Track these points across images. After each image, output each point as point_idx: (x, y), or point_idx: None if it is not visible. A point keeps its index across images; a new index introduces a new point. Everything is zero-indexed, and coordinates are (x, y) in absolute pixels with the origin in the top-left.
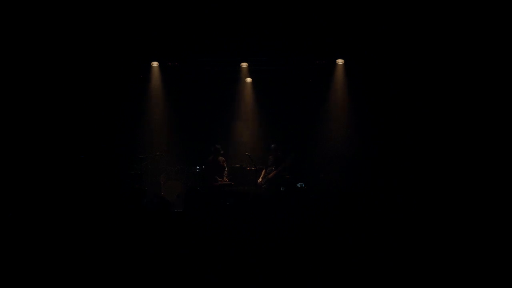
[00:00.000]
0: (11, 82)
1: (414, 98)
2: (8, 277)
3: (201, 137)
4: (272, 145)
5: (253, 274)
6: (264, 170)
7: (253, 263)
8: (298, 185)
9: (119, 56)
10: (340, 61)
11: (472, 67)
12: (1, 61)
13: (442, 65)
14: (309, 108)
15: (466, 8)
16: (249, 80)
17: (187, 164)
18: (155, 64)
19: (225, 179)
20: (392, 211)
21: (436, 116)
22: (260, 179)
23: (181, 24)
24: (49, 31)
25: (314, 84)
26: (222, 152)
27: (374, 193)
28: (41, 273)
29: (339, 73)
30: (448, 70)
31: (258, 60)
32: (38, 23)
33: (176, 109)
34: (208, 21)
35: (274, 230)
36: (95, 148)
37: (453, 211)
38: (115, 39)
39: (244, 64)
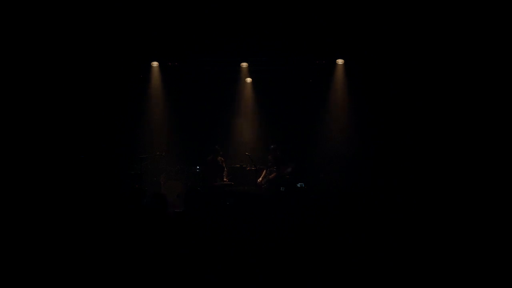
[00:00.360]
0: (11, 82)
1: (414, 98)
2: (8, 277)
3: (201, 137)
4: (272, 146)
5: (253, 274)
6: (264, 170)
7: (253, 263)
8: (298, 185)
9: (119, 56)
10: (340, 61)
11: (472, 67)
12: (2, 61)
13: (442, 65)
14: (309, 108)
15: (466, 8)
16: (249, 80)
17: (187, 164)
18: (155, 64)
19: (225, 179)
20: (392, 211)
21: (436, 116)
22: (261, 179)
23: (181, 24)
24: (50, 31)
25: (314, 84)
26: (221, 153)
27: (374, 193)
28: (41, 273)
29: (339, 73)
30: (448, 70)
31: (258, 60)
32: (38, 23)
33: (176, 109)
34: (208, 21)
35: (274, 230)
36: (95, 148)
37: (453, 211)
38: (115, 39)
39: (244, 64)
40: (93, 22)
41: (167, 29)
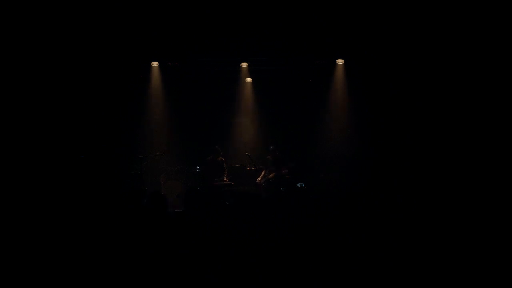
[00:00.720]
0: (11, 82)
1: (414, 98)
2: (8, 277)
3: (201, 137)
4: (271, 147)
5: (253, 274)
6: (264, 170)
7: (253, 263)
8: (298, 185)
9: (119, 56)
10: (340, 61)
11: (472, 67)
12: (2, 61)
13: (442, 65)
14: (309, 108)
15: (466, 8)
16: (249, 80)
17: (187, 164)
18: (155, 64)
19: (225, 179)
20: (392, 211)
21: (436, 116)
22: (260, 178)
23: (181, 24)
24: (50, 31)
25: (314, 84)
26: (221, 153)
27: (374, 193)
28: (41, 273)
29: (339, 73)
30: (448, 70)
31: (258, 60)
32: (38, 23)
33: (176, 109)
34: (208, 21)
35: (274, 230)
36: (95, 148)
37: (453, 211)
38: (116, 39)
39: (244, 64)
40: (93, 22)
41: (167, 29)
